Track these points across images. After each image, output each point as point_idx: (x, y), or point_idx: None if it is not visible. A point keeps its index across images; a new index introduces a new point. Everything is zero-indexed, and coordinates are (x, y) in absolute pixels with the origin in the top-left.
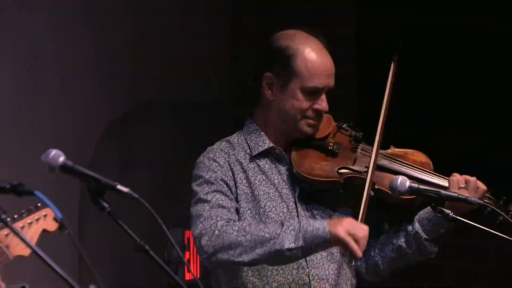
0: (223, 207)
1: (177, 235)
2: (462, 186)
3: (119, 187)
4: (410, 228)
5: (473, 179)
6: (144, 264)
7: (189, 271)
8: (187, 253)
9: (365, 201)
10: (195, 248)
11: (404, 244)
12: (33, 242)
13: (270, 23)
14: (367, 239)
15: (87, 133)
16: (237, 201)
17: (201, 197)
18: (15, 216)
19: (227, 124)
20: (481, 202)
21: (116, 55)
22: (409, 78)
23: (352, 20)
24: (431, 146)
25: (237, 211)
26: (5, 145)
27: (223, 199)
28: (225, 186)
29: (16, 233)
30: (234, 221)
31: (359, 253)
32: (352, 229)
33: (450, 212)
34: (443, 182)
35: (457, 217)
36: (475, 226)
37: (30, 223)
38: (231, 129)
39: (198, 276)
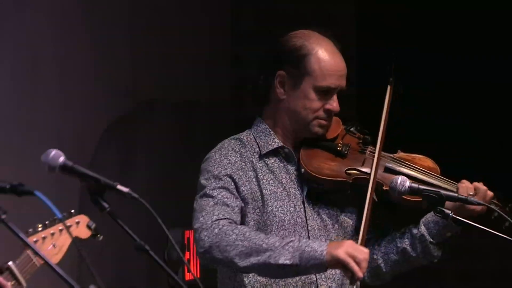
0: (227, 205)
1: (177, 235)
2: (471, 193)
3: (119, 187)
4: (415, 231)
5: (483, 187)
6: (144, 264)
7: (189, 271)
8: (187, 253)
9: (365, 222)
10: (195, 247)
11: (408, 247)
12: (63, 250)
13: (270, 23)
14: (368, 262)
15: (87, 133)
16: (243, 200)
17: (207, 192)
18: (46, 223)
19: (227, 124)
20: (481, 202)
21: (116, 55)
22: (414, 82)
23: (352, 20)
24: (437, 151)
25: (241, 210)
26: (5, 145)
27: (228, 196)
28: (232, 184)
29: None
30: (236, 223)
31: (360, 274)
32: (353, 251)
33: (450, 212)
34: (451, 187)
35: (457, 217)
36: (475, 226)
37: (61, 230)
38: (231, 129)
39: (198, 276)
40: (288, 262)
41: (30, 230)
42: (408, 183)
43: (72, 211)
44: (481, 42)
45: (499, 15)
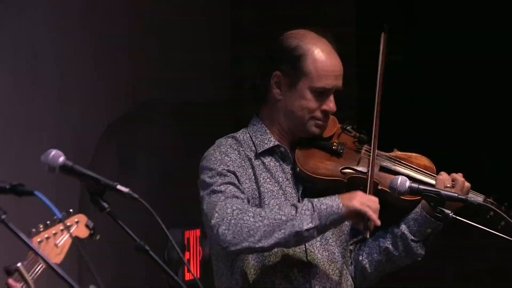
0: (237, 197)
1: (177, 235)
2: (448, 185)
3: (119, 187)
4: (396, 229)
5: (461, 179)
6: (144, 264)
7: (189, 271)
8: (187, 253)
9: (371, 175)
10: (195, 248)
11: (390, 246)
12: (65, 249)
13: (270, 23)
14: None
15: (87, 133)
16: None
17: (215, 188)
18: (47, 223)
19: (227, 124)
20: (481, 203)
21: (116, 55)
22: (411, 82)
23: (352, 20)
24: (433, 152)
25: (248, 202)
26: (5, 145)
27: (236, 190)
28: (236, 180)
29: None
30: (248, 208)
31: (378, 221)
32: (367, 201)
33: (450, 212)
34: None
35: (457, 217)
36: (475, 226)
37: (62, 230)
38: (231, 129)
39: (198, 276)
40: (311, 225)
41: (33, 230)
42: (408, 183)
43: (71, 210)
44: (481, 41)
45: (498, 15)
